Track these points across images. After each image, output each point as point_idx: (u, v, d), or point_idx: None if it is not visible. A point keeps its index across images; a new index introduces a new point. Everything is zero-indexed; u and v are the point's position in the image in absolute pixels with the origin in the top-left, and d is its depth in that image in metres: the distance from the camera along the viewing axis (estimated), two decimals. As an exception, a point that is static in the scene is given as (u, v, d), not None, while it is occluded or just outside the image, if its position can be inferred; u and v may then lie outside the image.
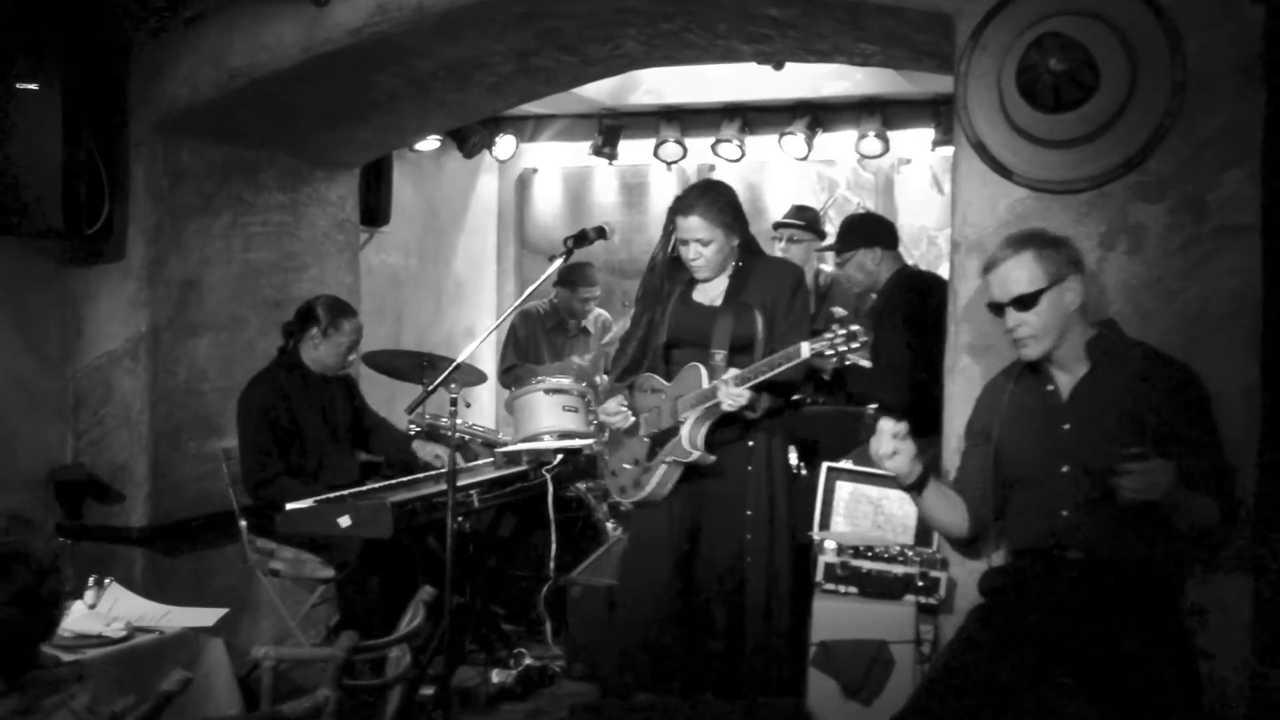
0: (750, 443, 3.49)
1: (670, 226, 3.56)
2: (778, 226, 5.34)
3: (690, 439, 3.41)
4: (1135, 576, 2.68)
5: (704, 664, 3.55)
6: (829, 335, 3.08)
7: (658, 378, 3.57)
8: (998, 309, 2.78)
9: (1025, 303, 2.71)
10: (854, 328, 3.07)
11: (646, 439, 3.55)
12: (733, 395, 3.28)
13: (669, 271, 3.63)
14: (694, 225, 3.46)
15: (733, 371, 3.32)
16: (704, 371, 3.42)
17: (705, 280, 3.57)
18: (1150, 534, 2.65)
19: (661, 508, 3.51)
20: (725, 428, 3.46)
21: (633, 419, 3.57)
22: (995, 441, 2.84)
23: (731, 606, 3.50)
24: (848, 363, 3.11)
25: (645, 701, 3.52)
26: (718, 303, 3.54)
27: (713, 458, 3.41)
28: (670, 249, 3.60)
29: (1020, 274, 2.72)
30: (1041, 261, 2.72)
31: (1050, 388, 2.80)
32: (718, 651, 3.52)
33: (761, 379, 3.25)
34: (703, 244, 3.47)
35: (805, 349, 3.13)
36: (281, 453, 4.27)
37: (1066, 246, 2.80)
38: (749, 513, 3.47)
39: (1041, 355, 2.76)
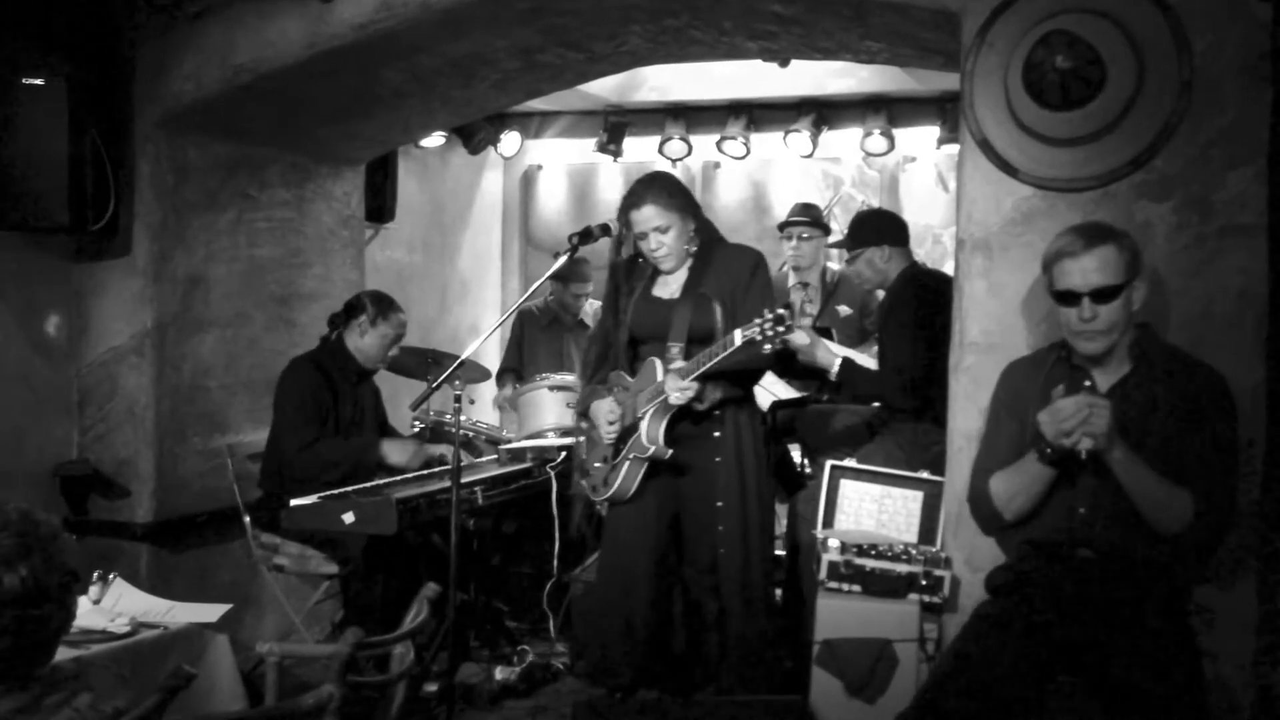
0: (716, 434, 3.49)
1: (624, 224, 3.56)
2: (785, 226, 5.33)
3: (648, 435, 3.40)
4: (1141, 577, 2.68)
5: (689, 661, 3.56)
6: (759, 321, 3.07)
7: (625, 375, 3.58)
8: (1071, 299, 2.71)
9: (1106, 295, 2.67)
10: (780, 311, 3.07)
11: (611, 437, 3.56)
12: (678, 389, 3.29)
13: (628, 270, 3.64)
14: (649, 215, 3.47)
15: (676, 365, 3.33)
16: (659, 366, 3.42)
17: (670, 271, 3.56)
18: (1163, 539, 2.66)
19: (637, 507, 3.51)
20: (688, 421, 3.46)
21: (621, 428, 3.55)
22: (1030, 426, 2.78)
23: (717, 602, 3.51)
24: (779, 347, 3.11)
25: (647, 699, 3.52)
26: (677, 295, 3.54)
27: (670, 452, 3.40)
28: (625, 248, 3.60)
29: (1105, 265, 2.67)
30: (1123, 256, 2.69)
31: (1088, 384, 2.77)
32: (713, 647, 3.53)
33: (704, 369, 3.26)
34: (661, 232, 3.48)
35: (737, 336, 3.13)
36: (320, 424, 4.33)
37: (1135, 245, 2.76)
38: (719, 504, 3.47)
39: (1105, 351, 2.72)
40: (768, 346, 3.08)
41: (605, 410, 3.55)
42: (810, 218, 5.29)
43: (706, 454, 3.48)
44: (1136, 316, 2.77)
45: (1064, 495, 2.74)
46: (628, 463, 3.47)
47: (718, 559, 3.48)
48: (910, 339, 3.86)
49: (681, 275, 3.56)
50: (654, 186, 3.52)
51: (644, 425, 3.40)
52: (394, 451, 4.36)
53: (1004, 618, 2.70)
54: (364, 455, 4.31)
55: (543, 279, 3.81)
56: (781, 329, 3.05)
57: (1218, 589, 2.92)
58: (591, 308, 5.98)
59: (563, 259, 3.76)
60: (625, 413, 3.50)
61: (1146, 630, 2.59)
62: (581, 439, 3.71)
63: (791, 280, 5.30)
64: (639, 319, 3.56)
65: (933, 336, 3.70)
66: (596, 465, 3.59)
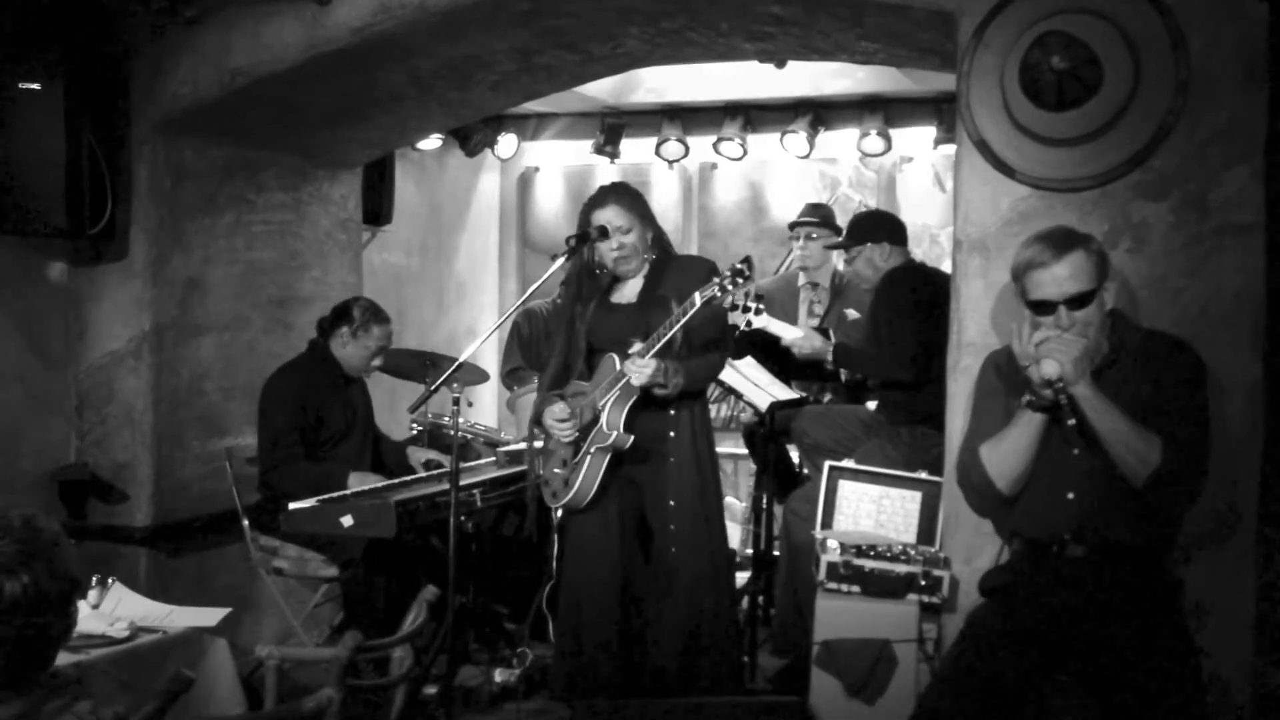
0: (671, 433, 3.54)
1: (585, 227, 3.61)
2: (794, 226, 5.33)
3: (609, 422, 3.45)
4: (1137, 574, 2.68)
5: (655, 666, 3.56)
6: (718, 279, 3.17)
7: (582, 383, 3.61)
8: (1047, 308, 2.71)
9: (1080, 301, 2.68)
10: (739, 265, 3.14)
11: (568, 436, 3.58)
12: (638, 367, 3.34)
13: (585, 280, 3.68)
14: (610, 215, 3.57)
15: (636, 346, 3.39)
16: (616, 359, 3.47)
17: (627, 273, 3.62)
18: (1151, 520, 2.68)
19: (600, 516, 3.51)
20: (645, 414, 3.49)
21: (577, 431, 3.56)
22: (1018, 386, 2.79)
23: (671, 601, 3.52)
24: (745, 301, 3.21)
25: (646, 701, 3.52)
26: (633, 301, 3.60)
27: (631, 439, 3.44)
28: (585, 258, 3.64)
29: (1078, 272, 2.68)
30: (1092, 260, 2.70)
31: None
32: (676, 651, 3.53)
33: (664, 340, 3.33)
34: (622, 232, 3.56)
35: (696, 297, 3.23)
36: (302, 439, 4.30)
37: (1101, 246, 2.78)
38: (672, 503, 3.52)
39: None
40: (729, 300, 3.16)
41: (555, 412, 3.58)
42: (820, 217, 5.28)
43: (662, 455, 3.53)
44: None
45: (1053, 481, 2.75)
46: (589, 457, 3.49)
47: (670, 559, 3.50)
48: (908, 318, 3.87)
49: (637, 284, 3.63)
50: (616, 190, 3.64)
51: (604, 415, 3.45)
52: (358, 485, 4.27)
53: (999, 620, 2.71)
54: (326, 484, 4.22)
55: (540, 281, 3.80)
56: (741, 281, 3.11)
57: (1215, 587, 2.93)
58: None
59: (560, 262, 3.77)
60: (584, 410, 3.53)
61: (1141, 628, 2.60)
62: (539, 444, 3.70)
63: (801, 280, 5.31)
64: (597, 326, 3.61)
65: (929, 320, 3.70)
66: (556, 471, 3.60)
